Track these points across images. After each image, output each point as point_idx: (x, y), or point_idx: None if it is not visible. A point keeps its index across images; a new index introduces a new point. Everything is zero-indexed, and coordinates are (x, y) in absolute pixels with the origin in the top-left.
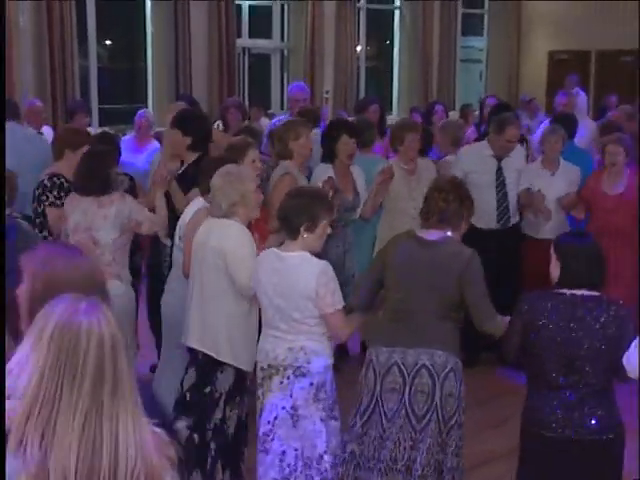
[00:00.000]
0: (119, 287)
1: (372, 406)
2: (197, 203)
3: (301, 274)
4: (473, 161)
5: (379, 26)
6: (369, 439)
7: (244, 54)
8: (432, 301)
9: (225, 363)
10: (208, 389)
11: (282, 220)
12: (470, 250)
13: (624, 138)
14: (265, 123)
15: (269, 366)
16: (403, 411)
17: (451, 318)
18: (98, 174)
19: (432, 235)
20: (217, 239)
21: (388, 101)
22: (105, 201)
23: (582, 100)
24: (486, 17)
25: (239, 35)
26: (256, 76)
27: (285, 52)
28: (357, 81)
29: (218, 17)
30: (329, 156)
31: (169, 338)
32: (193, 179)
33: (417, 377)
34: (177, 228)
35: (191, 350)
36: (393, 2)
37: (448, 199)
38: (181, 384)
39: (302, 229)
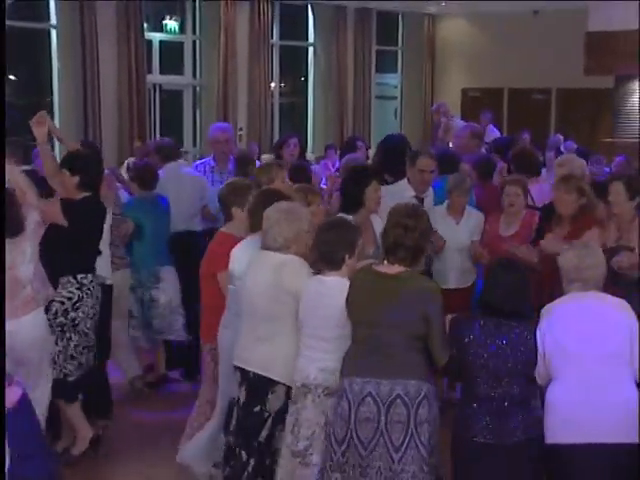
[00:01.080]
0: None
1: (348, 435)
2: (250, 243)
3: (340, 297)
4: (394, 202)
5: (293, 62)
6: (349, 467)
7: (155, 90)
8: (398, 335)
9: (277, 383)
10: (258, 408)
11: (325, 254)
12: (434, 285)
13: (522, 179)
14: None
15: (303, 385)
16: (381, 440)
17: (419, 348)
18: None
19: (393, 269)
20: (288, 278)
21: (303, 138)
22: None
23: (494, 136)
24: (400, 54)
25: (150, 71)
26: (168, 113)
27: (198, 88)
28: (271, 118)
29: (128, 52)
30: (353, 205)
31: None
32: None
33: (392, 407)
34: (231, 267)
35: (241, 370)
36: (307, 39)
37: (410, 233)
38: (230, 404)
39: (346, 258)
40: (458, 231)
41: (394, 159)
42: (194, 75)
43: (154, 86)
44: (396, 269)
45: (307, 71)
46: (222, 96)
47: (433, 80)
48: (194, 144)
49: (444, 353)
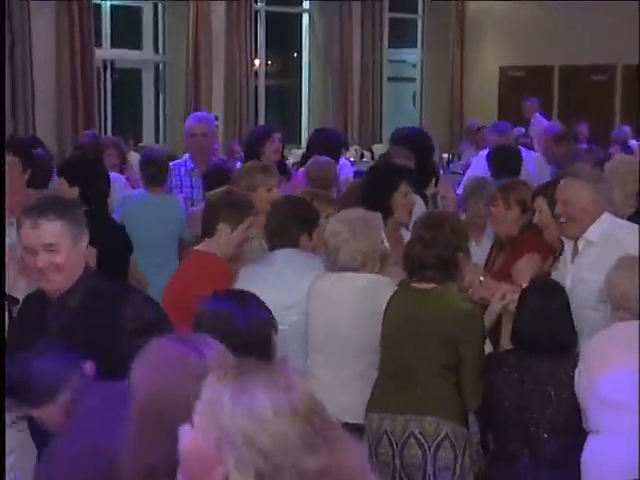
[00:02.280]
0: None
1: None
2: (312, 268)
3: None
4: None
5: (284, 34)
6: None
7: (105, 69)
8: (421, 361)
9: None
10: None
11: (276, 228)
12: (470, 307)
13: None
14: (135, 160)
15: None
16: None
17: (447, 379)
18: None
19: (429, 284)
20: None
21: (296, 130)
22: None
23: (541, 129)
24: (420, 23)
25: (98, 44)
26: (122, 97)
27: (160, 66)
28: (255, 105)
29: (69, 20)
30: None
31: None
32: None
33: (406, 448)
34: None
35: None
36: (301, 4)
37: (430, 249)
38: None
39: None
40: (476, 255)
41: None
42: (156, 49)
43: (104, 63)
44: (431, 284)
45: (301, 45)
46: (192, 77)
47: (463, 57)
48: (156, 138)
49: (475, 394)
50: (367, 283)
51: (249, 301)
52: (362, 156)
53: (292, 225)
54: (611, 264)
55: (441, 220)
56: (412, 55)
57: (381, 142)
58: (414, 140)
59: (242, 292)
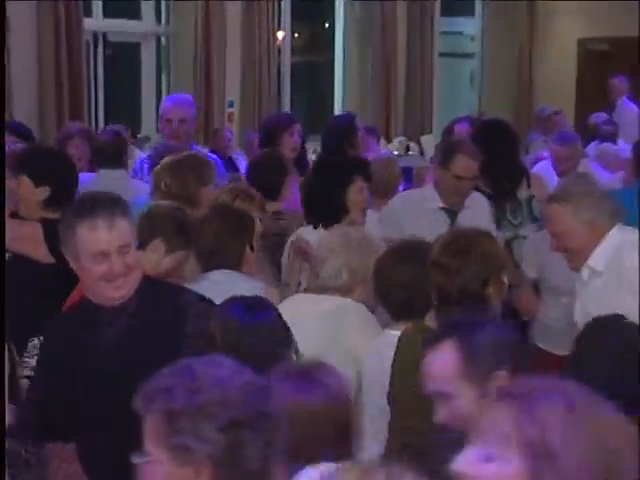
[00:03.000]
0: None
1: None
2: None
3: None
4: (411, 216)
5: (313, 0)
6: None
7: (96, 43)
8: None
9: None
10: None
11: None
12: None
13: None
14: (134, 155)
15: None
16: None
17: None
18: None
19: None
20: (352, 334)
21: (327, 118)
22: None
23: (632, 116)
24: None
25: (88, 13)
26: (116, 78)
27: (163, 40)
28: (278, 86)
29: None
30: (330, 214)
31: None
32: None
33: None
34: None
35: None
36: None
37: (450, 269)
38: None
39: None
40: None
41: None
42: (158, 19)
43: (95, 36)
44: None
45: (334, 14)
46: (202, 53)
47: (533, 26)
48: (158, 127)
49: None
50: (336, 307)
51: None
52: (408, 149)
53: (231, 240)
54: (617, 297)
55: (470, 241)
56: (470, 25)
57: (431, 132)
58: (489, 131)
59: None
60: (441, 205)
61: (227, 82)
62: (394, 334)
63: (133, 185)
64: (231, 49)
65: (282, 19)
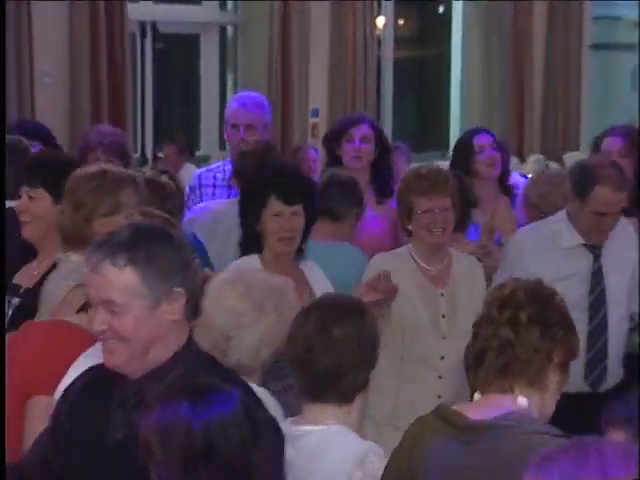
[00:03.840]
0: None
1: None
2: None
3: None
4: (543, 256)
5: None
6: None
7: (144, 34)
8: None
9: None
10: None
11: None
12: (556, 442)
13: None
14: (190, 174)
15: None
16: None
17: None
18: None
19: (485, 409)
20: None
21: (440, 128)
22: None
23: None
24: None
25: None
26: (169, 78)
27: (229, 31)
28: (377, 90)
29: None
30: (252, 240)
31: None
32: None
33: None
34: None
35: None
36: None
37: (519, 322)
38: None
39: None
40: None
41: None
42: (222, 5)
43: (142, 27)
44: (491, 407)
45: None
46: (279, 46)
47: None
48: (221, 144)
49: None
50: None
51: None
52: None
53: None
54: None
55: (543, 290)
56: (630, 8)
57: (578, 148)
58: None
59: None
60: (581, 242)
61: (311, 84)
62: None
63: None
64: (316, 41)
65: (382, 3)
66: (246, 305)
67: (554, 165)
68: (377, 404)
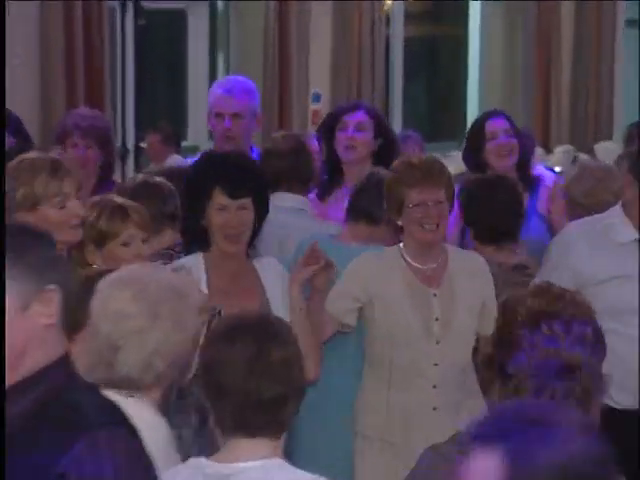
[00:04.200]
0: None
1: None
2: None
3: None
4: (594, 253)
5: None
6: None
7: (124, 9)
8: None
9: None
10: None
11: None
12: None
13: None
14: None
15: None
16: None
17: None
18: None
19: None
20: None
21: (457, 115)
22: None
23: None
24: None
25: None
26: (152, 59)
27: (220, 6)
28: (385, 73)
29: None
30: (198, 237)
31: None
32: None
33: None
34: None
35: None
36: None
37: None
38: None
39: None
40: None
41: None
42: None
43: (123, 3)
44: None
45: None
46: (276, 23)
47: None
48: (211, 133)
49: None
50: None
51: None
52: (574, 162)
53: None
54: None
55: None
56: None
57: (611, 138)
58: None
59: None
60: (637, 237)
61: (311, 66)
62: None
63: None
64: (317, 18)
65: None
66: (137, 309)
67: (584, 157)
68: (367, 420)
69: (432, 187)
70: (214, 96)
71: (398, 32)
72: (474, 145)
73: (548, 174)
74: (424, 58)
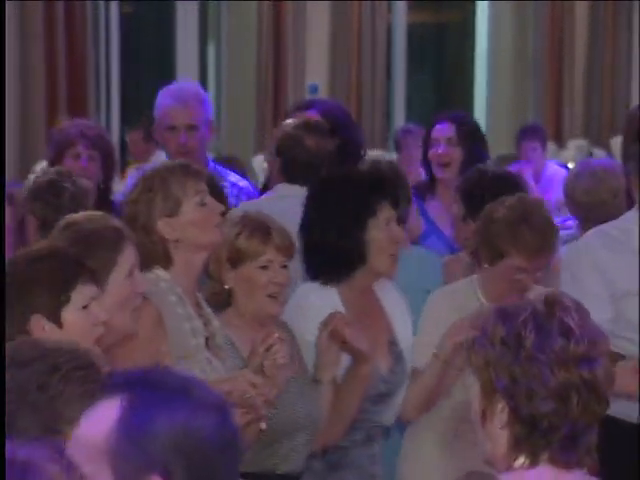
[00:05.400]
0: None
1: None
2: None
3: None
4: (618, 261)
5: None
6: None
7: (107, 5)
8: None
9: None
10: None
11: None
12: None
13: None
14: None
15: None
16: None
17: None
18: None
19: None
20: None
21: (467, 109)
22: None
23: None
24: None
25: None
26: (139, 50)
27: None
28: (387, 63)
29: None
30: (339, 261)
31: None
32: None
33: None
34: None
35: None
36: None
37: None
38: None
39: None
40: None
41: None
42: None
43: None
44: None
45: None
46: (271, 11)
47: None
48: (218, 127)
49: None
50: None
51: None
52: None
53: None
54: None
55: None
56: None
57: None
58: None
59: None
60: None
61: (308, 56)
62: None
63: None
64: (315, 4)
65: None
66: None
67: (599, 152)
68: None
69: (544, 257)
70: (164, 107)
71: (400, 18)
72: (424, 150)
73: (562, 171)
74: (429, 46)
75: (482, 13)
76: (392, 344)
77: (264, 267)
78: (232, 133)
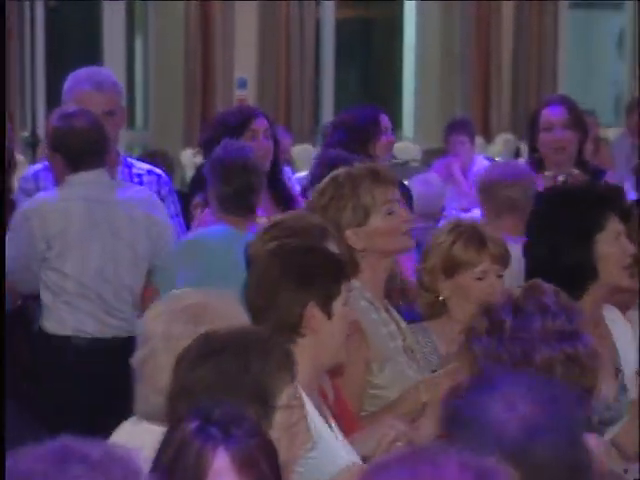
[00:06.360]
0: None
1: None
2: None
3: None
4: None
5: None
6: None
7: (32, 2)
8: None
9: None
10: None
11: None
12: None
13: None
14: None
15: None
16: None
17: None
18: None
19: None
20: None
21: (393, 107)
22: None
23: None
24: None
25: None
26: (65, 45)
27: None
28: (315, 59)
29: None
30: (572, 280)
31: None
32: None
33: None
34: None
35: None
36: None
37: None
38: None
39: None
40: None
41: None
42: None
43: None
44: None
45: None
46: (198, 4)
47: None
48: (130, 122)
49: None
50: None
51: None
52: (517, 153)
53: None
54: None
55: None
56: None
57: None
58: None
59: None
60: None
61: (237, 50)
62: None
63: None
64: None
65: None
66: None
67: (526, 147)
68: None
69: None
70: (79, 92)
71: (329, 14)
72: (531, 133)
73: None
74: (357, 41)
75: (410, 9)
76: (618, 371)
77: (480, 278)
78: (161, 128)
